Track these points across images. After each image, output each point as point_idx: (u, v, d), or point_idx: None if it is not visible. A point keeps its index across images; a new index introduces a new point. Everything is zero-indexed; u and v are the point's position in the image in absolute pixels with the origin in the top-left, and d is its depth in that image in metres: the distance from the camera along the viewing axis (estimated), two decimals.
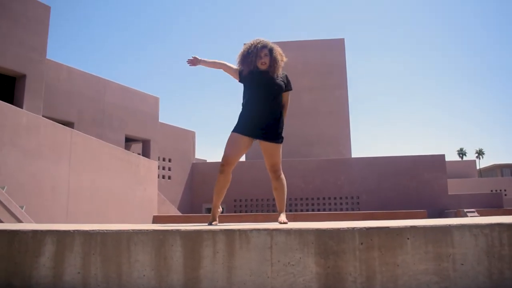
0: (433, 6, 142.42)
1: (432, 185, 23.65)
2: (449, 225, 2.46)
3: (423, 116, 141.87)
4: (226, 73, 4.15)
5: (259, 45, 4.00)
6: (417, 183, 23.69)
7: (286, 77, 4.13)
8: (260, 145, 3.99)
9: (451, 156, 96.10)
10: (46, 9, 15.03)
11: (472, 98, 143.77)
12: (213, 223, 3.89)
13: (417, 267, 2.42)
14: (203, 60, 4.15)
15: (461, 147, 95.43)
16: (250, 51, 3.99)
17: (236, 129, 3.92)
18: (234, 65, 4.13)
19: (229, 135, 3.96)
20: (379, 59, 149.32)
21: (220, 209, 4.16)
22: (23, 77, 13.98)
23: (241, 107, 4.05)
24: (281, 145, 4.04)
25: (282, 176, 4.04)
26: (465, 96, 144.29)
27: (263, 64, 3.97)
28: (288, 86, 4.12)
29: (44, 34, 14.82)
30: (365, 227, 2.49)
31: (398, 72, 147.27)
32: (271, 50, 4.02)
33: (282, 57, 4.11)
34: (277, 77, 4.02)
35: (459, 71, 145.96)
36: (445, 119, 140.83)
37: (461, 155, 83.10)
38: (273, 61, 4.01)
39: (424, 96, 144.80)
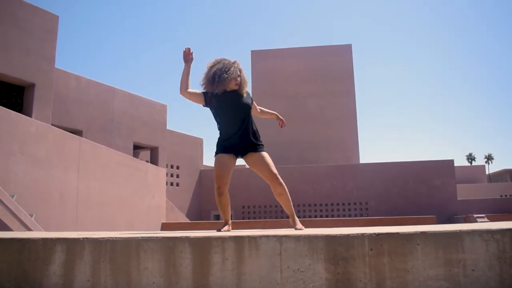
0: (441, 11, 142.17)
1: (441, 191, 23.50)
2: (460, 230, 2.44)
3: (432, 121, 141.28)
4: (187, 98, 4.05)
5: (228, 67, 3.95)
6: (426, 189, 23.55)
7: (248, 94, 4.18)
8: (245, 161, 4.03)
9: (460, 161, 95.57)
10: (55, 18, 15.16)
11: (481, 103, 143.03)
12: (224, 228, 3.90)
13: (428, 273, 2.40)
14: (188, 67, 4.07)
15: (470, 152, 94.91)
16: (221, 73, 3.91)
17: (217, 151, 4.00)
18: (196, 90, 4.06)
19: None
20: (387, 64, 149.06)
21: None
22: (32, 86, 14.09)
23: (218, 130, 4.08)
24: (265, 153, 4.01)
25: (282, 181, 3.96)
26: (474, 101, 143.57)
27: (236, 84, 3.99)
28: (252, 101, 4.20)
29: (53, 43, 14.94)
30: (374, 233, 2.48)
31: (406, 77, 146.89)
32: (240, 70, 4.05)
33: (245, 75, 4.14)
34: (243, 94, 4.07)
35: (468, 76, 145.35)
36: (453, 124, 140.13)
37: (470, 160, 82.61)
38: (242, 80, 4.05)
39: (432, 101, 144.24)
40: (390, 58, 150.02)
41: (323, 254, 2.49)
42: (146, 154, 22.71)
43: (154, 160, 21.65)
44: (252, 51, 31.49)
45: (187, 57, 4.05)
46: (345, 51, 30.99)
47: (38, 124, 12.07)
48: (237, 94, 4.02)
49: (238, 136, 3.94)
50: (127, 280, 2.69)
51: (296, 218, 4.02)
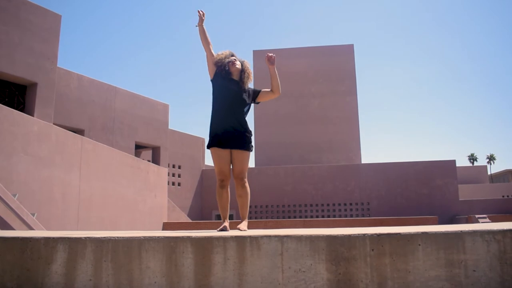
0: (443, 12, 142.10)
1: (443, 191, 23.49)
2: (461, 231, 2.44)
3: (434, 121, 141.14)
4: (205, 52, 4.37)
5: (231, 56, 4.28)
6: (428, 189, 23.54)
7: (251, 91, 4.32)
8: (231, 153, 4.13)
9: (462, 161, 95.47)
10: (57, 17, 15.18)
11: (483, 103, 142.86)
12: (224, 224, 3.94)
13: (429, 274, 2.40)
14: (202, 26, 4.39)
15: (472, 152, 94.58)
16: (225, 56, 4.24)
17: (211, 143, 4.14)
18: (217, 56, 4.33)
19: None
20: (389, 64, 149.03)
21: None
22: (34, 85, 14.11)
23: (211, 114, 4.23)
24: (249, 153, 4.17)
25: (247, 184, 4.16)
26: (476, 101, 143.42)
27: (233, 64, 4.18)
28: (255, 93, 4.33)
29: (55, 43, 14.96)
30: (376, 234, 2.48)
31: (408, 77, 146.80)
32: (242, 62, 4.28)
33: (250, 70, 4.32)
34: (244, 89, 4.21)
35: (470, 76, 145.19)
36: (455, 124, 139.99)
37: (472, 161, 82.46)
38: (245, 68, 4.25)
39: (434, 102, 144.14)
40: (392, 58, 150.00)
41: (324, 254, 2.49)
42: (148, 153, 22.73)
43: (156, 160, 21.67)
44: (254, 51, 31.45)
45: (199, 21, 4.40)
46: (347, 51, 30.95)
47: (41, 123, 12.09)
48: (239, 85, 4.19)
49: (229, 127, 4.07)
50: (129, 279, 2.70)
51: (246, 222, 4.08)
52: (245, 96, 4.19)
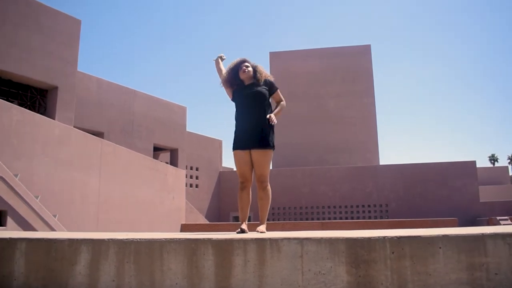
0: (464, 11, 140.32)
1: (463, 192, 23.19)
2: (482, 233, 2.43)
3: (453, 122, 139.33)
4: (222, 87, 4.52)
5: (236, 61, 4.42)
6: (448, 190, 23.26)
7: (268, 81, 4.38)
8: (251, 154, 4.16)
9: (483, 162, 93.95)
10: (77, 22, 15.39)
11: (504, 102, 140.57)
12: (242, 226, 3.95)
13: (450, 277, 2.39)
14: (218, 63, 4.75)
15: (493, 153, 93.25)
16: (230, 68, 4.40)
17: (233, 147, 4.24)
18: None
19: None
20: (407, 64, 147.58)
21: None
22: (55, 89, 14.33)
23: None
24: (270, 153, 4.18)
25: (268, 187, 4.19)
26: (497, 101, 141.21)
27: (244, 71, 4.29)
28: (272, 89, 4.37)
29: (75, 47, 15.16)
30: (396, 236, 2.48)
31: (426, 77, 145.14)
32: (254, 66, 4.39)
33: (259, 66, 4.43)
34: (259, 85, 4.30)
35: (489, 75, 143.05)
36: (476, 124, 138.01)
37: (492, 161, 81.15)
38: (253, 68, 4.36)
39: (453, 102, 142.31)
40: (410, 58, 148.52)
41: (344, 257, 2.50)
42: (166, 155, 22.89)
43: (174, 162, 21.81)
44: (270, 52, 31.49)
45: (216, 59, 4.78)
46: (364, 51, 30.79)
47: (61, 126, 12.28)
48: (251, 86, 4.30)
49: (247, 128, 4.14)
50: (151, 280, 2.74)
51: (265, 225, 4.09)
52: (262, 89, 4.26)
